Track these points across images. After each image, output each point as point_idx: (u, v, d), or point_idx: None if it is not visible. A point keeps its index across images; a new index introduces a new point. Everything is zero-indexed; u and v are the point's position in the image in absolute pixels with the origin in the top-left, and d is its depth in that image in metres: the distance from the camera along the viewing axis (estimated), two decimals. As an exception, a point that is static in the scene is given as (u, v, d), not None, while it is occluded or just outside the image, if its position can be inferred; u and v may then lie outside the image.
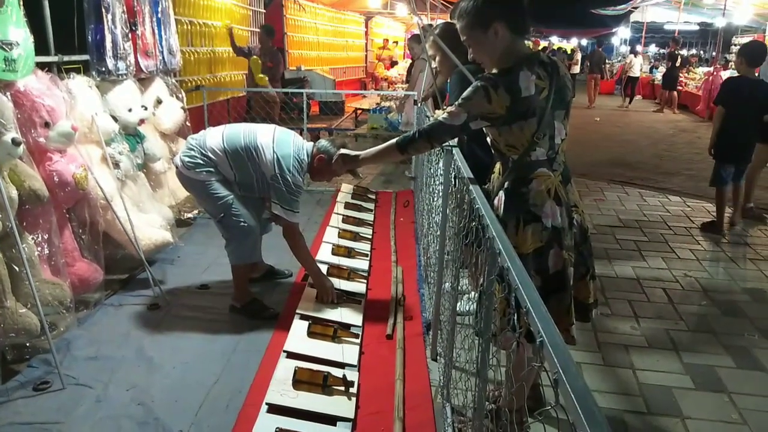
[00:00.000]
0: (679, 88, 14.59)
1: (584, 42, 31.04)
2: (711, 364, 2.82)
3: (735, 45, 17.68)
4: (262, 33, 7.66)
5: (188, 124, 4.67)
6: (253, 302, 3.19)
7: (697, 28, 21.95)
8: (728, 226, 4.86)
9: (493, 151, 2.08)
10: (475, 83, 1.89)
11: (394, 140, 2.13)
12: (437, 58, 2.98)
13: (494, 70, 1.95)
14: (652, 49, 28.43)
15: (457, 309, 2.40)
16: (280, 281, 3.59)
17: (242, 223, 3.00)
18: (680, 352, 2.92)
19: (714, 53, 17.42)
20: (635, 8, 16.88)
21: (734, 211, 4.96)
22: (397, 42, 16.61)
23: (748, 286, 3.76)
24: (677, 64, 14.09)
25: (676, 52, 14.63)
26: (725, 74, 12.36)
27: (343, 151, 2.60)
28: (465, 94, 1.89)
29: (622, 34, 21.14)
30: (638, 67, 15.66)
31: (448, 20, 3.02)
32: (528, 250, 1.92)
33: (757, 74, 4.69)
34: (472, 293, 2.46)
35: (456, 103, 1.92)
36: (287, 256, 3.13)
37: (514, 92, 1.84)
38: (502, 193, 1.99)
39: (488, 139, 2.05)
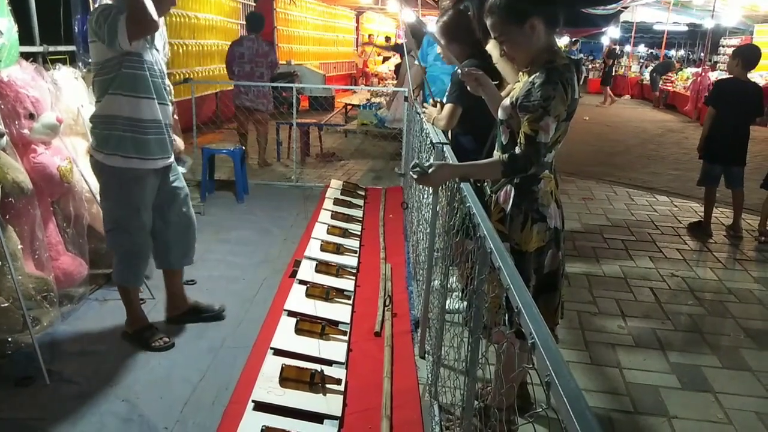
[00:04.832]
0: (667, 88, 14.80)
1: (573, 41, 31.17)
2: (697, 363, 2.84)
3: (723, 46, 17.88)
4: None
5: (176, 117, 4.57)
6: (146, 329, 2.85)
7: (685, 28, 22.08)
8: (730, 234, 4.76)
9: (502, 143, 1.97)
10: (547, 79, 1.74)
11: (499, 161, 1.87)
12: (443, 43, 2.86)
13: (548, 64, 1.79)
14: (641, 49, 28.76)
15: (446, 307, 2.39)
16: (270, 277, 3.56)
17: (130, 245, 2.71)
18: (667, 351, 2.94)
19: (702, 54, 17.63)
20: (625, 8, 16.95)
21: (735, 221, 4.80)
22: (389, 38, 16.53)
23: (734, 287, 3.78)
24: (612, 63, 15.95)
25: (617, 50, 16.03)
26: (713, 75, 12.50)
27: (445, 163, 2.19)
28: (541, 94, 1.73)
29: (611, 33, 21.26)
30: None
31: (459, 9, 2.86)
32: (531, 249, 1.92)
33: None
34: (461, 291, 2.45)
35: (536, 112, 1.75)
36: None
37: (574, 91, 1.79)
38: (510, 187, 1.94)
39: (505, 134, 1.96)
